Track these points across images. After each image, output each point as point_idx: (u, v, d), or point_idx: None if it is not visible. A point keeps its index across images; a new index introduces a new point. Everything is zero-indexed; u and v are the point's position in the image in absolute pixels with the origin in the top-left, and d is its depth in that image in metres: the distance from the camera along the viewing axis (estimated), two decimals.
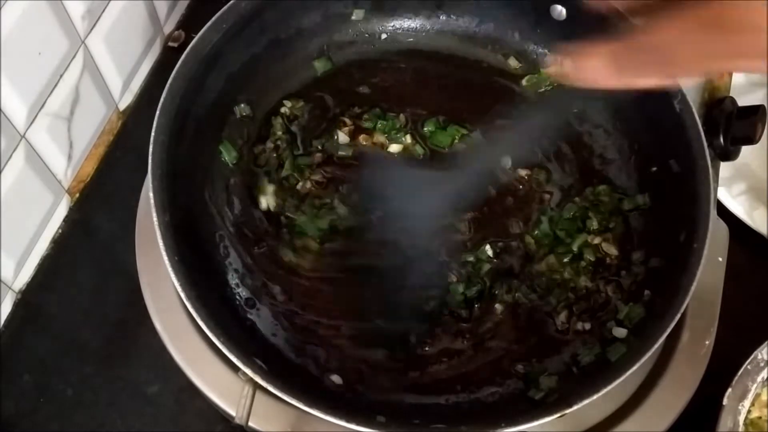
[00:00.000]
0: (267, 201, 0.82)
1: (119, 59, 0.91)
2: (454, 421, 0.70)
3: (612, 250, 0.81)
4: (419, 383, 0.74)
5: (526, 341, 0.77)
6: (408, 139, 0.86)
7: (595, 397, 0.64)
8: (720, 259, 0.79)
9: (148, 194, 0.69)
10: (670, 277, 0.71)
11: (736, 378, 0.71)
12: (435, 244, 0.81)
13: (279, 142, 0.84)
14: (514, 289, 0.79)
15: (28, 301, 0.86)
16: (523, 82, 0.90)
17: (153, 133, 0.71)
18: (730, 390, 0.70)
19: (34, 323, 0.85)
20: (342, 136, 0.85)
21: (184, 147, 0.75)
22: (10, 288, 0.84)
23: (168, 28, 1.02)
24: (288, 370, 0.73)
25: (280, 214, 0.81)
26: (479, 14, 0.92)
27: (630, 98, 0.83)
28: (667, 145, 0.78)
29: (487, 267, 0.80)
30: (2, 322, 0.84)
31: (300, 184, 0.83)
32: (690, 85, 0.82)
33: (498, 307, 0.78)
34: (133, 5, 0.91)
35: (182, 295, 0.65)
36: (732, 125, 0.82)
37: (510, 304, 0.78)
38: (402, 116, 0.87)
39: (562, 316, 0.77)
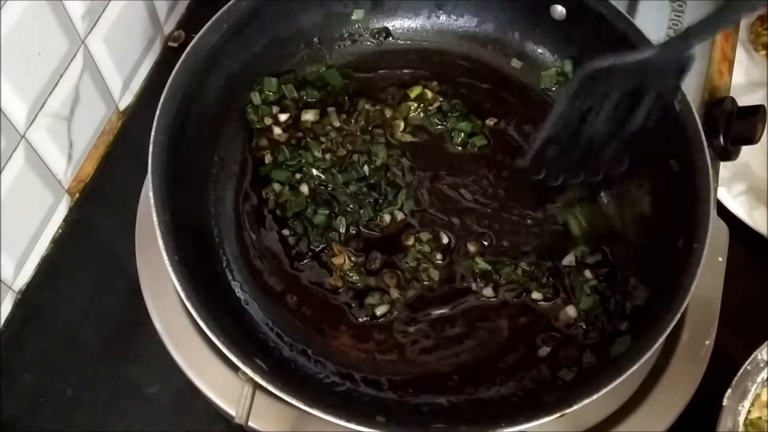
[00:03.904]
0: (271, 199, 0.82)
1: (119, 59, 0.91)
2: (454, 421, 0.70)
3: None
4: (419, 381, 0.75)
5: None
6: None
7: (595, 397, 0.64)
8: (720, 259, 0.79)
9: (148, 194, 0.69)
10: (670, 276, 0.71)
11: (736, 378, 0.71)
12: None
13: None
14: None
15: (28, 301, 0.86)
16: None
17: (153, 133, 0.71)
18: (730, 390, 0.70)
19: (34, 323, 0.85)
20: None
21: (184, 147, 0.75)
22: (10, 288, 0.84)
23: (168, 28, 1.02)
24: (288, 370, 0.73)
25: (283, 212, 0.81)
26: (479, 14, 0.92)
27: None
28: (667, 145, 0.78)
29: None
30: (2, 322, 0.84)
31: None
32: (690, 85, 0.83)
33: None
34: (133, 5, 0.91)
35: (182, 295, 0.65)
36: (732, 125, 0.82)
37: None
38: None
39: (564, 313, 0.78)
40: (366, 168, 0.84)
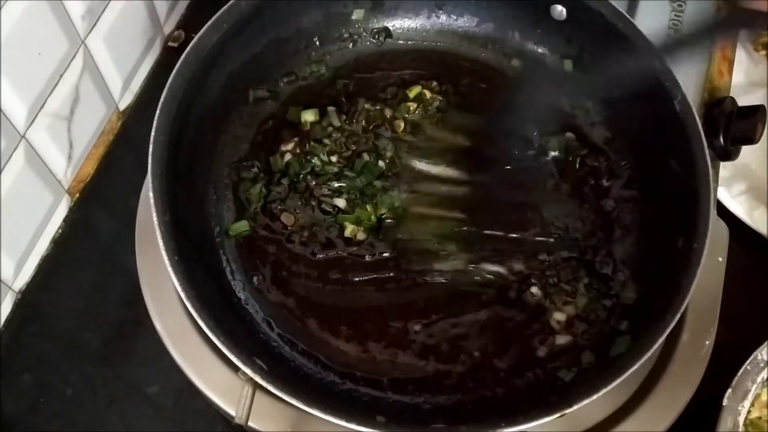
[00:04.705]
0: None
1: (119, 59, 0.91)
2: (454, 421, 0.70)
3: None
4: (419, 381, 0.75)
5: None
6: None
7: (595, 397, 0.64)
8: (720, 259, 0.79)
9: (148, 194, 0.69)
10: (670, 277, 0.71)
11: (736, 378, 0.71)
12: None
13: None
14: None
15: (28, 301, 0.86)
16: None
17: (153, 133, 0.71)
18: (730, 390, 0.71)
19: (34, 323, 0.85)
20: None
21: (184, 147, 0.75)
22: (10, 288, 0.84)
23: (168, 28, 1.02)
24: (288, 369, 0.73)
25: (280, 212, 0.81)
26: (479, 14, 0.92)
27: (630, 98, 0.83)
28: (667, 145, 0.78)
29: None
30: (2, 322, 0.84)
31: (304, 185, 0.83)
32: (690, 85, 0.83)
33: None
34: (133, 5, 0.91)
35: (182, 295, 0.65)
36: (732, 125, 0.82)
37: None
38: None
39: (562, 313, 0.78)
40: (381, 163, 0.83)
